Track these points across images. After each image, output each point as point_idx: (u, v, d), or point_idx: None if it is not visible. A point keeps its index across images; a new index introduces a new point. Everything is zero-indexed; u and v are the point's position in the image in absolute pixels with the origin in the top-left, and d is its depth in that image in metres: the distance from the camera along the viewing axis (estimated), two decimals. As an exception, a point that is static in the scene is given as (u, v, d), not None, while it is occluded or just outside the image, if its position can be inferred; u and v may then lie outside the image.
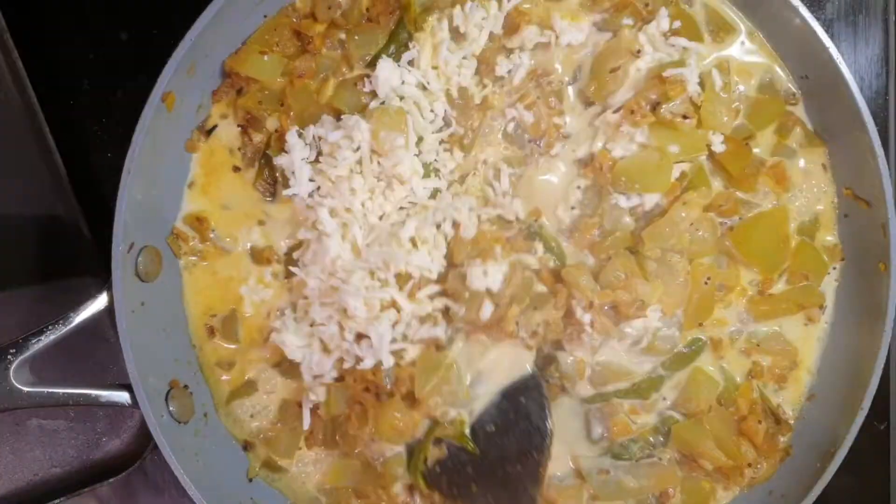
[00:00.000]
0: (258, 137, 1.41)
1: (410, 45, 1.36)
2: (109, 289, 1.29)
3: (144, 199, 1.33)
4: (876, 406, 1.32)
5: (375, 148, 1.32)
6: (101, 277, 1.30)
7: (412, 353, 1.33)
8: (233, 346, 1.43)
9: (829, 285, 1.42)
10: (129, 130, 1.27)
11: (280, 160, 1.35)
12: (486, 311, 1.30)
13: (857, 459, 1.33)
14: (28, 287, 1.52)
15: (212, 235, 1.41)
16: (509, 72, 1.37)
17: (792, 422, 1.41)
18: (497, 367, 1.37)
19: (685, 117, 1.31)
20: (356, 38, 1.38)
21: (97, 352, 1.50)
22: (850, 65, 1.33)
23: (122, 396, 1.32)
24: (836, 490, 1.32)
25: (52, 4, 1.58)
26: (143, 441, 1.54)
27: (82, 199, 1.52)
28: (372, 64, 1.37)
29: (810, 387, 1.42)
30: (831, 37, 1.31)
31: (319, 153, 1.34)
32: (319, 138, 1.34)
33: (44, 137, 1.50)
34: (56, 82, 1.55)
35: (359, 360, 1.31)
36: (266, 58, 1.38)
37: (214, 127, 1.42)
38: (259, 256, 1.42)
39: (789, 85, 1.40)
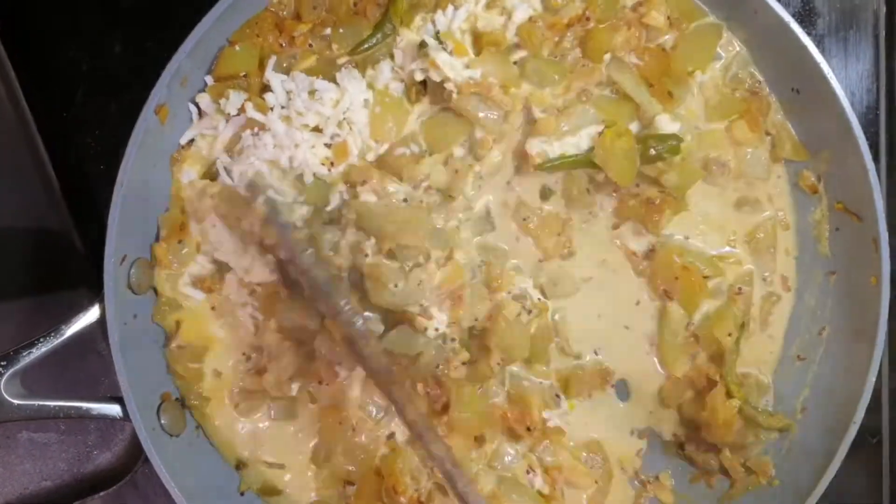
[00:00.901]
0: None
1: (397, 40, 1.37)
2: (101, 301, 1.28)
3: (137, 212, 1.33)
4: (867, 420, 1.32)
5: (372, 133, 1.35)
6: (93, 289, 1.30)
7: None
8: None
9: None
10: (121, 143, 1.27)
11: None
12: None
13: (849, 474, 1.33)
14: (19, 299, 1.51)
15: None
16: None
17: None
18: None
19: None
20: (341, 30, 1.38)
21: (88, 364, 1.49)
22: (840, 80, 1.33)
23: (114, 409, 1.31)
24: (828, 504, 1.32)
25: (46, 16, 1.58)
26: (135, 454, 1.53)
27: (75, 210, 1.52)
28: (353, 52, 1.38)
29: (802, 400, 1.42)
30: (822, 52, 1.32)
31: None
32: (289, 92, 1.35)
33: (36, 149, 1.50)
34: (49, 94, 1.55)
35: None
36: (238, 48, 1.36)
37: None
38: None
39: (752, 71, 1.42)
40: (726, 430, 1.36)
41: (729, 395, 1.37)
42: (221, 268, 1.39)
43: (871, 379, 1.32)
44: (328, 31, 1.38)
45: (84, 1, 1.58)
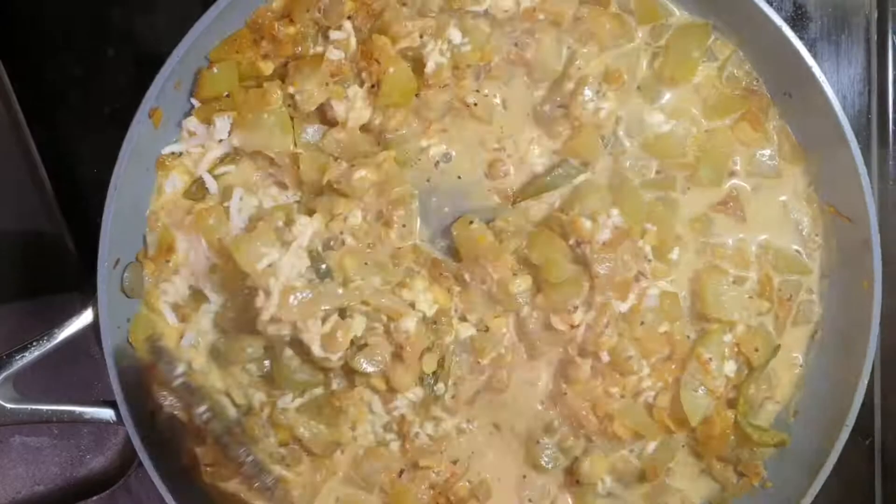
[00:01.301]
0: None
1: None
2: (94, 305, 1.28)
3: (131, 215, 1.33)
4: (860, 422, 1.33)
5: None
6: (87, 293, 1.30)
7: None
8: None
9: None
10: (115, 146, 1.27)
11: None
12: None
13: (842, 476, 1.33)
14: (12, 303, 1.51)
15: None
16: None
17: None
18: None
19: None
20: None
21: (82, 368, 1.49)
22: (832, 84, 1.34)
23: (107, 413, 1.31)
24: (821, 506, 1.33)
25: (39, 21, 1.58)
26: (128, 458, 1.53)
27: (68, 214, 1.52)
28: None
29: (795, 403, 1.43)
30: (814, 56, 1.32)
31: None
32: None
33: (30, 153, 1.51)
34: (42, 98, 1.55)
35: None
36: (216, 69, 1.34)
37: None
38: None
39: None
40: (721, 442, 1.36)
41: (730, 405, 1.37)
42: (198, 296, 1.37)
43: (864, 382, 1.32)
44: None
45: (77, 6, 1.58)
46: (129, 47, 1.56)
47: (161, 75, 1.28)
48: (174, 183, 1.38)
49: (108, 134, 1.29)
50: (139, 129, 1.28)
